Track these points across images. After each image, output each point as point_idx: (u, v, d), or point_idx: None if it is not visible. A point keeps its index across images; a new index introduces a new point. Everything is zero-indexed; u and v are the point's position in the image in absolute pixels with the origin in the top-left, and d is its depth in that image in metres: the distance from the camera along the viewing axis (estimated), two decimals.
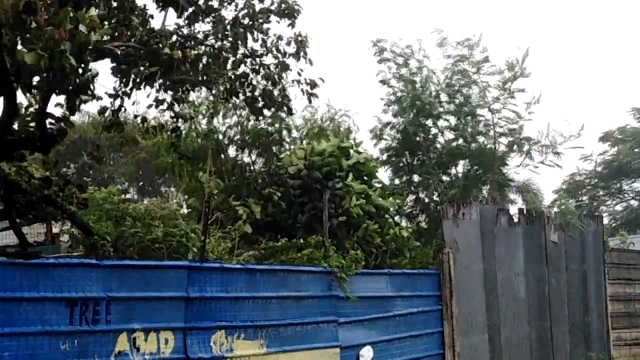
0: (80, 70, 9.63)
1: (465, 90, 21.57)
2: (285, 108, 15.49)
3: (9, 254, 11.04)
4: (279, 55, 15.14)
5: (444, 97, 21.71)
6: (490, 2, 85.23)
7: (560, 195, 29.38)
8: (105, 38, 10.50)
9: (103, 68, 12.16)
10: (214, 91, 15.29)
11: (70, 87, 9.72)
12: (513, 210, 20.63)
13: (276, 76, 15.22)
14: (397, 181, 22.05)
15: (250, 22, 15.13)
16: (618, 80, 79.02)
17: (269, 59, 15.30)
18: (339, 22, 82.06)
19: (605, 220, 38.26)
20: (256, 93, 15.24)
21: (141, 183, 41.67)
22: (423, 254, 17.83)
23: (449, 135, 21.91)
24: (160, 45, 12.15)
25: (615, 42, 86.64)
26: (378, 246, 17.17)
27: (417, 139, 21.45)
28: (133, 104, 13.57)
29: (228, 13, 15.31)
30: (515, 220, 19.69)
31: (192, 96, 15.90)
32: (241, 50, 15.09)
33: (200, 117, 18.27)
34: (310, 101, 15.50)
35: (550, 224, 20.41)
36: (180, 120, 15.00)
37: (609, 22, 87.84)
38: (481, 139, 21.79)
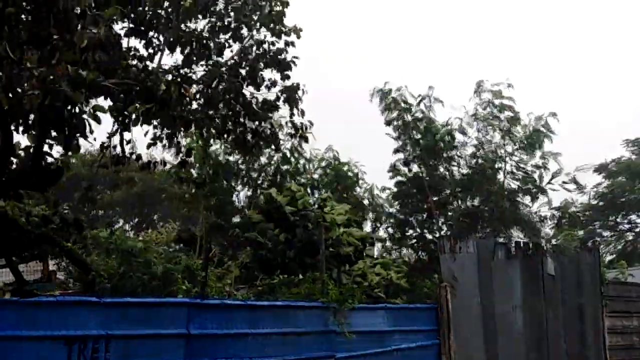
0: (77, 109, 9.69)
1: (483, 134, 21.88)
2: (273, 145, 15.78)
3: (5, 292, 11.01)
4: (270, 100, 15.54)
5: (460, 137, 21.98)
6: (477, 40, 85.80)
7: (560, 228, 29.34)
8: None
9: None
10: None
11: (67, 127, 9.75)
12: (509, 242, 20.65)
13: (263, 115, 15.48)
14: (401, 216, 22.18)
15: (248, 69, 15.41)
16: (612, 110, 79.31)
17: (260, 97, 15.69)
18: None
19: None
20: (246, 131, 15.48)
21: (136, 220, 41.65)
22: (419, 294, 17.99)
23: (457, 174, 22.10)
24: (156, 83, 12.19)
25: (609, 72, 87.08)
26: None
27: (425, 176, 21.59)
28: (129, 142, 13.65)
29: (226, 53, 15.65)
30: (513, 253, 19.66)
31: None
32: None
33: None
34: (306, 141, 15.86)
35: (547, 257, 20.39)
36: (183, 154, 15.21)
37: (602, 53, 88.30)
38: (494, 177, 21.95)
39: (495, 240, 19.98)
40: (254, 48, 15.70)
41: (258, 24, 15.46)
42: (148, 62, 13.66)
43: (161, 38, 14.40)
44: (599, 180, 45.51)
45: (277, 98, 15.75)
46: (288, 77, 15.68)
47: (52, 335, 10.03)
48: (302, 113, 15.87)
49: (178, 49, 15.03)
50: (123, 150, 13.26)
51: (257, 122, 15.61)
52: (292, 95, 15.59)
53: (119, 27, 13.03)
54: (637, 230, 45.84)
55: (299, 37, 15.63)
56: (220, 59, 15.54)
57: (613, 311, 22.85)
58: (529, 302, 19.59)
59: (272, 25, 15.39)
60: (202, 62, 15.42)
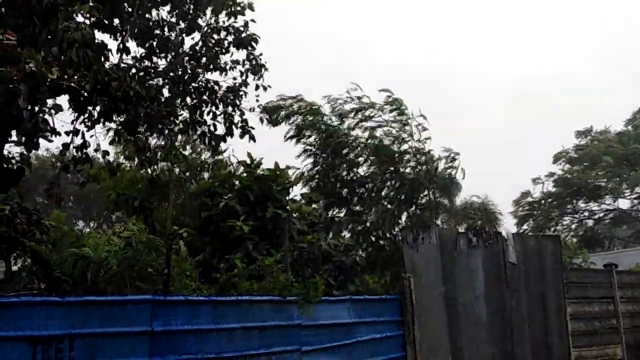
0: (37, 109, 9.65)
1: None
2: (247, 134, 15.72)
3: None
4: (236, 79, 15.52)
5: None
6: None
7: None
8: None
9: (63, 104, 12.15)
10: (173, 126, 15.39)
11: (27, 128, 9.70)
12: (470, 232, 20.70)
13: (232, 98, 15.44)
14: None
15: (208, 54, 15.37)
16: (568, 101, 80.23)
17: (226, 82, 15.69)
18: None
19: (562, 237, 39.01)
20: (218, 119, 15.45)
21: (99, 221, 41.34)
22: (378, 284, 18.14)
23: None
24: (117, 82, 12.03)
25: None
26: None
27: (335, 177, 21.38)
28: (91, 136, 13.58)
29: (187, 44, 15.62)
30: (474, 242, 19.82)
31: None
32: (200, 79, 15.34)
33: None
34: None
35: (508, 245, 20.55)
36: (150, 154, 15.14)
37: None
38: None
39: (457, 230, 20.12)
40: (215, 35, 15.75)
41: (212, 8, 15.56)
42: (110, 56, 13.58)
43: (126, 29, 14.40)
44: (555, 169, 46.13)
45: (243, 82, 15.78)
46: (253, 56, 15.75)
47: (16, 336, 9.99)
48: (265, 88, 15.93)
49: (141, 41, 15.03)
50: (83, 149, 13.18)
51: (227, 108, 15.58)
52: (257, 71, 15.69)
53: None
54: (597, 217, 46.45)
55: (252, 9, 15.72)
56: (181, 49, 15.56)
57: (575, 297, 23.10)
58: (492, 290, 19.78)
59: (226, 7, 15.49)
60: (164, 55, 15.41)
